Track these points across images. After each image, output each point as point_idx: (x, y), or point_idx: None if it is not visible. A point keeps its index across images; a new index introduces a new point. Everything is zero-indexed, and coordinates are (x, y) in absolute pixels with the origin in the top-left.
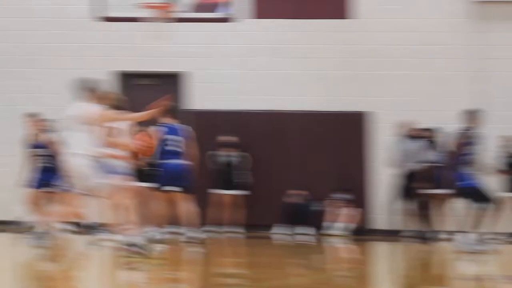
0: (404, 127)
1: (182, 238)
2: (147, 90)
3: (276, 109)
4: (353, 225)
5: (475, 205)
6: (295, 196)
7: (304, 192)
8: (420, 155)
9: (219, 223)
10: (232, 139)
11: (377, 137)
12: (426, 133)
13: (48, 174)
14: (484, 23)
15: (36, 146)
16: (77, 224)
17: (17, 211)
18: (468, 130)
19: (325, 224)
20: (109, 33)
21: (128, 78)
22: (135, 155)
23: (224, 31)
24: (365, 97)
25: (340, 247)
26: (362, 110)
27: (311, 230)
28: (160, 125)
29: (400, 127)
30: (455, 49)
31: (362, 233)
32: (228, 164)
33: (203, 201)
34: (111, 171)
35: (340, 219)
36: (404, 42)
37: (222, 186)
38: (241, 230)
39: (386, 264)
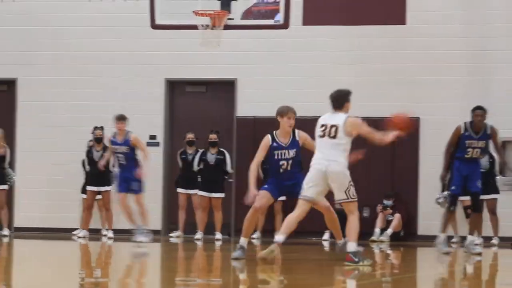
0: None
1: None
2: (196, 97)
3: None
4: (395, 231)
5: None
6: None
7: None
8: None
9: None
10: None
11: (429, 142)
12: None
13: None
14: None
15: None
16: None
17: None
18: None
19: (373, 230)
20: (162, 40)
21: (178, 86)
22: None
23: (273, 37)
24: (416, 103)
25: (383, 252)
26: (414, 115)
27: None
28: None
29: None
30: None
31: (404, 238)
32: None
33: None
34: None
35: (383, 225)
36: (458, 47)
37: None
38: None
39: (435, 270)
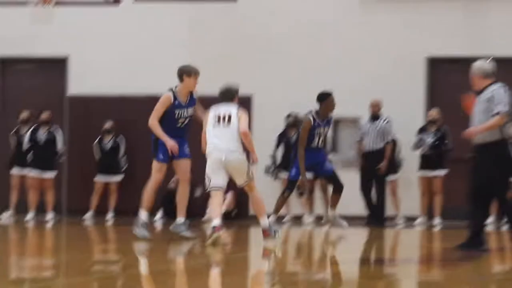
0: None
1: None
2: (27, 75)
3: (158, 93)
4: (228, 210)
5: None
6: (173, 181)
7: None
8: None
9: (102, 210)
10: (111, 124)
11: (261, 122)
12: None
13: None
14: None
15: None
16: None
17: None
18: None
19: (206, 210)
20: None
21: (8, 64)
22: None
23: (105, 14)
24: (249, 81)
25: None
26: (246, 94)
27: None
28: None
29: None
30: (342, 32)
31: (236, 217)
32: (109, 150)
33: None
34: None
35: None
36: (286, 27)
37: (104, 172)
38: (111, 215)
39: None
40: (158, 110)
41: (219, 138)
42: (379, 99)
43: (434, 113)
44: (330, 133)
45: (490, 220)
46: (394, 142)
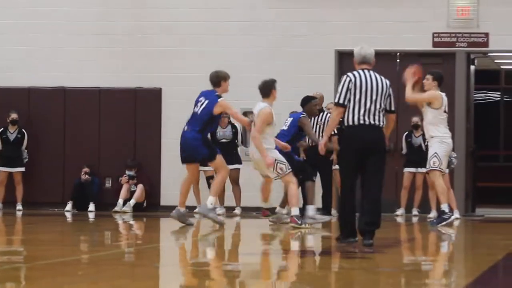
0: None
1: None
2: None
3: (64, 85)
4: (138, 202)
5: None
6: (84, 173)
7: (87, 169)
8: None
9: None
10: (16, 116)
11: (168, 113)
12: None
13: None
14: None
15: None
16: None
17: None
18: None
19: (115, 201)
20: None
21: None
22: None
23: (16, 7)
24: (156, 74)
25: (126, 223)
26: (154, 86)
27: (98, 207)
28: None
29: None
30: (251, 25)
31: (147, 209)
32: (14, 141)
33: None
34: None
35: (126, 196)
36: (197, 19)
37: (7, 163)
38: (20, 207)
39: (172, 240)
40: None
41: None
42: (321, 92)
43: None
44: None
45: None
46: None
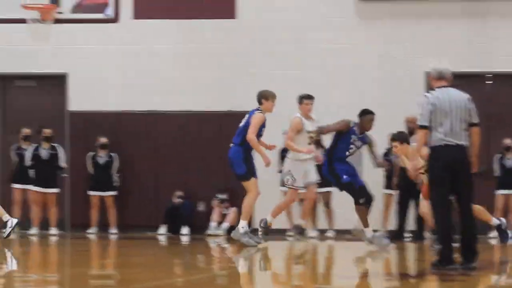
0: None
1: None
2: (27, 92)
3: (157, 109)
4: (231, 225)
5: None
6: (176, 196)
7: (179, 193)
8: None
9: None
10: (105, 140)
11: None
12: None
13: None
14: (372, 21)
15: None
16: None
17: None
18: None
19: (208, 224)
20: None
21: (8, 80)
22: None
23: (104, 31)
24: (247, 97)
25: (219, 246)
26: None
27: (191, 230)
28: None
29: None
30: (343, 47)
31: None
32: (104, 165)
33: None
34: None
35: (219, 219)
36: (293, 41)
37: (98, 187)
38: (114, 231)
39: (267, 263)
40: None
41: None
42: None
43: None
44: None
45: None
46: None
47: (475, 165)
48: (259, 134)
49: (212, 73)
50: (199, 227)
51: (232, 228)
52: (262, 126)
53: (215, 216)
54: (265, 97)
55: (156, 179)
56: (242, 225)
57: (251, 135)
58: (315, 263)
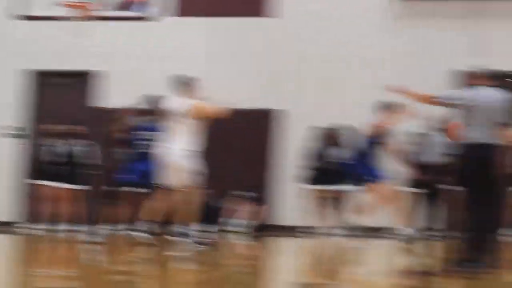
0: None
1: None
2: (63, 89)
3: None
4: (256, 222)
5: None
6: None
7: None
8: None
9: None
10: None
11: (288, 134)
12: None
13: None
14: (410, 21)
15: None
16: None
17: None
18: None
19: (225, 220)
20: (26, 31)
21: (46, 77)
22: None
23: (143, 30)
24: (275, 94)
25: (240, 243)
26: (270, 107)
27: (212, 227)
28: None
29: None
30: (378, 49)
31: (266, 229)
32: None
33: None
34: None
35: (242, 216)
36: (327, 42)
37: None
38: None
39: (286, 260)
40: None
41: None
42: None
43: None
44: None
45: None
46: None
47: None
48: None
49: (246, 72)
50: (227, 225)
51: (258, 225)
52: None
53: (241, 213)
54: None
55: None
56: None
57: None
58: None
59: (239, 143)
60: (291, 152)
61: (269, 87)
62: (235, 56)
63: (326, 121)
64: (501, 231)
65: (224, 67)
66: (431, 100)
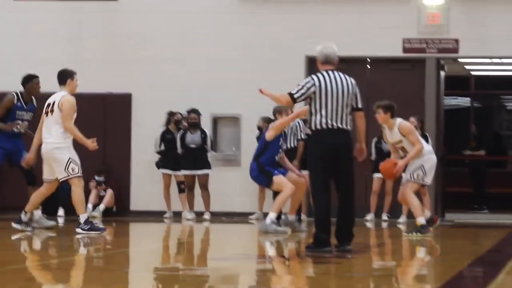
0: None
1: None
2: None
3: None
4: (107, 207)
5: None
6: None
7: None
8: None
9: None
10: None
11: (140, 119)
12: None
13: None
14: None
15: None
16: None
17: None
18: None
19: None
20: None
21: None
22: None
23: None
24: (126, 79)
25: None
26: (124, 91)
27: (67, 212)
28: None
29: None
30: (222, 33)
31: (117, 214)
32: None
33: None
34: None
35: (96, 201)
36: (169, 25)
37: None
38: None
39: (142, 245)
40: None
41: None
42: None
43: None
44: (210, 131)
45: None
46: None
47: (363, 150)
48: None
49: (94, 55)
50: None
51: (108, 209)
52: None
53: (92, 198)
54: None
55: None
56: (271, 217)
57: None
58: (192, 246)
59: (89, 127)
60: (143, 137)
61: (117, 71)
62: (79, 38)
63: (177, 106)
64: (368, 216)
65: (66, 50)
66: (288, 100)
